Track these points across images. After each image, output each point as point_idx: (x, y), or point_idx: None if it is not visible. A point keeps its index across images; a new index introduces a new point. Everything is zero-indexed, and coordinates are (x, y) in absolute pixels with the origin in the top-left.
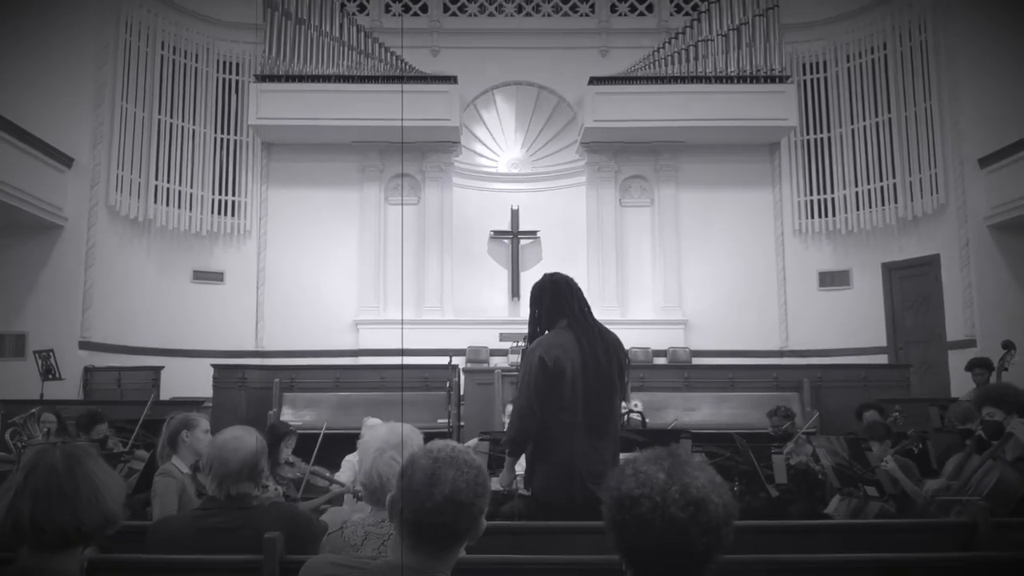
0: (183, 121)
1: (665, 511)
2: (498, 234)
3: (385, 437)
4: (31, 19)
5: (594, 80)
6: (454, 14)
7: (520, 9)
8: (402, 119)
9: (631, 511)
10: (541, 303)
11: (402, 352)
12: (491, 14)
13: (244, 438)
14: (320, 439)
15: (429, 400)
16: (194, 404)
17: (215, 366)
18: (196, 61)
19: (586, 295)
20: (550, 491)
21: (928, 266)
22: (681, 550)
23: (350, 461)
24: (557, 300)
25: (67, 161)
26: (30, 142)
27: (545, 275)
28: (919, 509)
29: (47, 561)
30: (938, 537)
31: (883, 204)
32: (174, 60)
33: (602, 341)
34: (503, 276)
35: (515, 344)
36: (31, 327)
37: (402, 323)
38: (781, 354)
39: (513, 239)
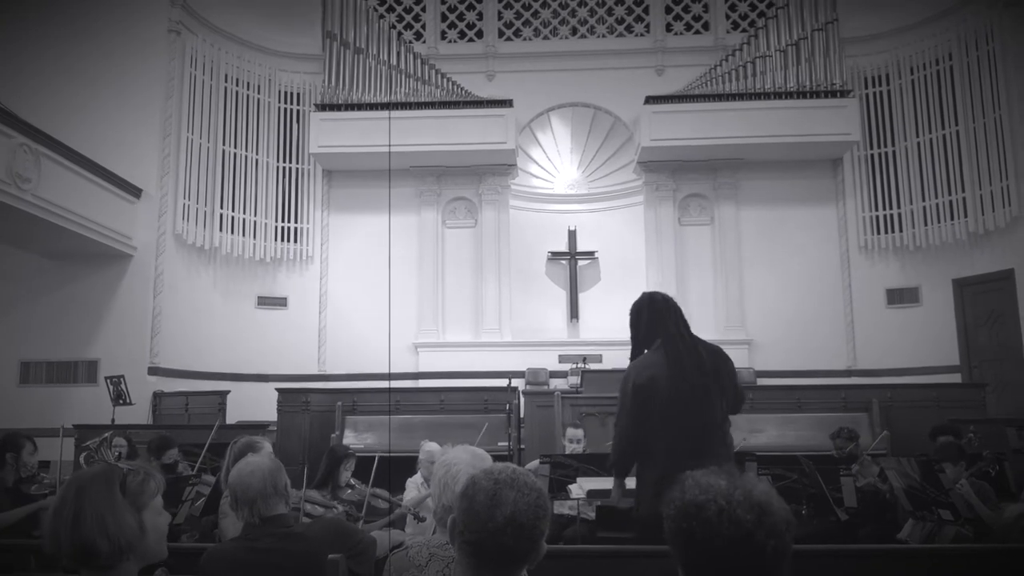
0: (246, 151)
1: (732, 514)
2: (556, 255)
3: (468, 460)
4: (101, 57)
5: (650, 99)
6: (509, 39)
7: (575, 31)
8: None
9: (697, 517)
10: (639, 324)
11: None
12: (546, 37)
13: (256, 462)
14: (376, 462)
15: (489, 423)
16: (259, 428)
17: (279, 390)
18: (259, 92)
19: None
20: (657, 509)
21: (1002, 281)
22: (750, 555)
23: (414, 482)
24: (653, 319)
25: (136, 192)
26: (102, 175)
27: (643, 294)
28: (997, 534)
29: None
30: (1020, 563)
31: (952, 218)
32: (237, 92)
33: (698, 357)
34: (562, 297)
35: (574, 366)
36: (103, 354)
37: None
38: (849, 374)
39: (571, 260)
